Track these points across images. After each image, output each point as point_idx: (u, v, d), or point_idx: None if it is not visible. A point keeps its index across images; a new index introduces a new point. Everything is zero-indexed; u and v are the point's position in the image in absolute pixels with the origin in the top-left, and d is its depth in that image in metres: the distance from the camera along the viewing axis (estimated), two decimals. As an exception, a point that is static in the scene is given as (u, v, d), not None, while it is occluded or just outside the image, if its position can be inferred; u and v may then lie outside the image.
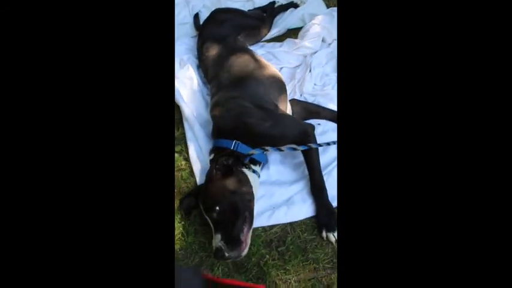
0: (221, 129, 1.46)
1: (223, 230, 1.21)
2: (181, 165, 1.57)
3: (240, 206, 1.26)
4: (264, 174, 1.50)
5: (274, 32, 2.13)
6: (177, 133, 1.69)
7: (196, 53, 1.97)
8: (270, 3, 2.27)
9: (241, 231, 1.22)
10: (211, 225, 1.25)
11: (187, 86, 1.81)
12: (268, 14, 2.18)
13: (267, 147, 1.36)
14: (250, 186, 1.34)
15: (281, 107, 1.55)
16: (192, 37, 2.12)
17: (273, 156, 1.54)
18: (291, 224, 1.38)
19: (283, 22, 2.15)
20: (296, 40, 1.96)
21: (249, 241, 1.25)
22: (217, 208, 1.24)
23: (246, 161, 1.36)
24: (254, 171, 1.38)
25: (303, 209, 1.38)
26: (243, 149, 1.38)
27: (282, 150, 1.37)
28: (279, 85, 1.61)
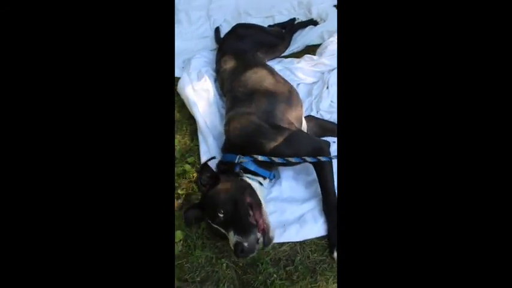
0: (231, 145, 1.45)
1: (233, 225, 1.19)
2: (194, 177, 1.56)
3: (238, 197, 1.25)
4: (276, 190, 1.47)
5: (292, 48, 2.13)
6: (191, 144, 1.69)
7: (214, 66, 1.99)
8: (290, 20, 2.28)
9: (249, 216, 1.21)
10: (223, 230, 1.23)
11: (204, 97, 1.81)
12: (287, 30, 2.19)
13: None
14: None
15: (296, 123, 1.53)
16: (211, 50, 2.14)
17: (286, 172, 1.51)
18: (301, 242, 1.33)
19: (302, 39, 2.15)
20: (314, 56, 1.94)
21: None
22: (221, 211, 1.22)
23: (237, 169, 1.36)
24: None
25: (315, 228, 1.34)
26: (247, 163, 1.36)
27: (275, 162, 1.35)
28: (294, 102, 1.59)
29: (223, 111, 1.74)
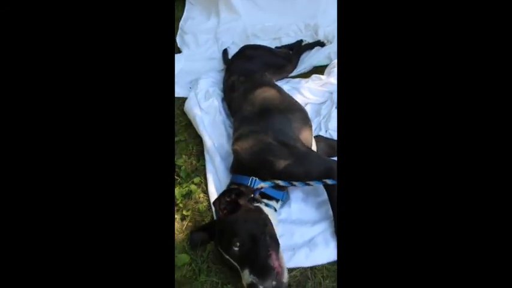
0: (241, 164, 1.41)
1: (249, 263, 1.11)
2: (199, 198, 1.51)
3: (257, 232, 1.17)
4: (285, 212, 1.41)
5: (300, 69, 2.12)
6: (197, 164, 1.65)
7: (221, 86, 1.98)
8: (297, 41, 2.29)
9: (268, 258, 1.12)
10: (236, 264, 1.15)
11: (211, 117, 1.79)
12: (294, 51, 2.19)
13: (277, 181, 1.28)
14: (263, 213, 1.26)
15: (305, 143, 1.48)
16: (218, 71, 2.14)
17: (295, 193, 1.45)
18: (311, 268, 1.25)
19: (309, 59, 2.15)
20: (322, 76, 1.93)
21: (284, 265, 1.14)
22: (237, 242, 1.15)
23: (256, 195, 1.29)
24: (267, 205, 1.30)
25: (326, 252, 1.26)
26: (267, 189, 1.31)
27: (294, 185, 1.29)
28: (304, 121, 1.56)
29: (231, 131, 1.71)
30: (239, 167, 1.40)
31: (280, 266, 1.13)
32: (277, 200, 1.34)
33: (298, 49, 2.21)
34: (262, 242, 1.15)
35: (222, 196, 1.24)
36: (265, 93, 1.63)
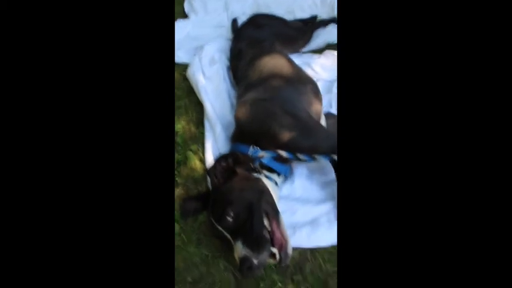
0: (242, 133, 1.27)
1: (242, 235, 0.99)
2: (195, 165, 1.38)
3: (254, 200, 1.05)
4: (287, 188, 1.28)
5: (313, 44, 1.98)
6: (196, 131, 1.52)
7: (228, 54, 1.84)
8: (312, 17, 2.14)
9: (263, 228, 1.00)
10: (229, 236, 1.03)
11: (214, 84, 1.66)
12: (308, 26, 2.05)
13: (281, 152, 1.16)
14: (260, 180, 1.14)
15: (314, 117, 1.36)
16: (226, 39, 1.99)
17: (299, 170, 1.32)
18: (312, 250, 1.14)
19: (324, 36, 2.00)
20: (336, 52, 1.79)
21: (287, 235, 1.02)
22: (231, 212, 1.02)
23: (256, 164, 1.16)
24: (268, 178, 1.17)
25: (329, 235, 1.14)
26: (266, 159, 1.18)
27: (299, 159, 1.17)
28: (314, 93, 1.43)
29: (234, 102, 1.58)
30: (240, 135, 1.27)
31: (283, 236, 1.01)
32: (279, 174, 1.21)
33: (312, 24, 2.06)
34: (257, 210, 1.03)
35: (217, 162, 1.12)
36: (274, 61, 1.49)
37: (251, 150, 1.19)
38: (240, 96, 1.44)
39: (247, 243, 0.97)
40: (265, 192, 1.10)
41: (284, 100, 1.31)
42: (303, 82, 1.43)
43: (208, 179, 1.30)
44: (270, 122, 1.23)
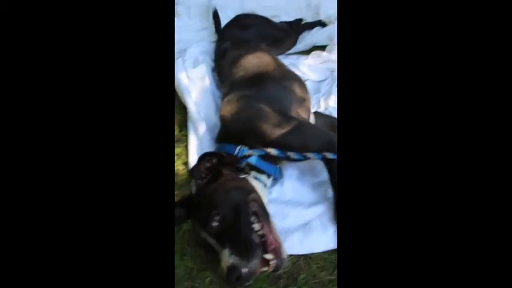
0: (228, 132, 1.18)
1: (229, 241, 0.88)
2: (178, 170, 1.27)
3: (241, 201, 0.95)
4: (277, 191, 1.19)
5: (299, 46, 1.92)
6: (179, 134, 1.41)
7: (213, 56, 1.76)
8: (296, 20, 2.09)
9: (252, 231, 0.90)
10: (214, 243, 0.92)
11: (198, 86, 1.57)
12: (294, 28, 1.99)
13: (269, 149, 1.07)
14: (248, 181, 1.04)
15: (303, 115, 1.28)
16: (210, 42, 1.92)
17: (289, 171, 1.23)
18: (305, 256, 1.04)
19: (310, 38, 1.95)
20: (323, 53, 1.73)
21: (279, 238, 0.92)
22: (216, 216, 0.92)
23: (242, 164, 1.06)
24: (256, 179, 1.08)
25: (323, 239, 1.05)
26: (253, 158, 1.09)
27: (289, 157, 1.08)
28: (302, 91, 1.36)
29: (219, 102, 1.49)
30: (226, 135, 1.18)
31: (276, 239, 0.90)
32: (268, 176, 1.12)
33: (297, 27, 2.01)
34: (244, 211, 0.93)
35: (200, 161, 1.01)
36: (258, 59, 1.42)
37: (237, 150, 1.09)
38: (224, 96, 1.35)
39: (235, 250, 0.86)
40: (253, 193, 1.00)
41: (271, 97, 1.23)
42: (289, 79, 1.36)
43: (193, 182, 1.19)
44: (257, 119, 1.14)
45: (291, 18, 2.12)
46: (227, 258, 0.87)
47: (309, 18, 2.13)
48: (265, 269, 0.91)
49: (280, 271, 0.91)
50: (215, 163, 1.02)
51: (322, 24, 2.05)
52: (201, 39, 1.96)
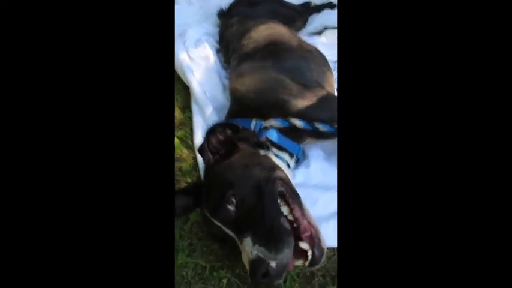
0: (242, 106, 0.98)
1: (251, 228, 0.67)
2: (182, 154, 1.07)
3: (264, 179, 0.74)
4: (302, 174, 0.99)
5: (309, 28, 1.75)
6: (182, 116, 1.21)
7: (217, 38, 1.58)
8: (305, 2, 1.93)
9: (281, 215, 0.70)
10: (232, 233, 0.71)
11: (202, 65, 1.38)
12: (304, 9, 1.82)
13: (294, 120, 0.88)
14: (269, 157, 0.84)
15: (328, 89, 1.09)
16: (213, 23, 1.74)
17: (314, 150, 1.03)
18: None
19: (319, 20, 1.77)
20: (336, 30, 1.56)
21: (314, 224, 0.72)
22: (232, 198, 0.71)
23: (261, 138, 0.86)
24: (278, 157, 0.88)
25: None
26: (272, 133, 0.89)
27: (317, 129, 0.88)
28: (322, 62, 1.17)
29: (226, 82, 1.31)
30: (239, 109, 0.98)
31: (311, 224, 0.70)
32: (290, 155, 0.92)
33: (306, 9, 1.85)
34: (270, 191, 0.72)
35: (211, 133, 0.81)
36: (272, 30, 1.24)
37: (253, 123, 0.90)
38: (234, 68, 1.16)
39: (259, 239, 0.66)
40: (277, 169, 0.80)
41: (290, 68, 1.04)
42: (307, 50, 1.18)
43: (201, 166, 0.99)
44: (277, 90, 0.95)
45: (298, 2, 1.96)
46: (250, 249, 0.66)
47: (317, 0, 1.97)
48: (299, 263, 0.70)
49: (318, 266, 0.70)
50: (230, 135, 0.82)
51: (331, 6, 1.88)
52: (205, 19, 1.78)
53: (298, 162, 0.97)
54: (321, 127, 0.88)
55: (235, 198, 0.71)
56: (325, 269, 0.81)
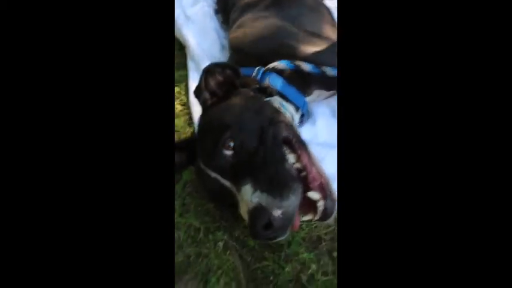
0: (243, 53, 0.86)
1: (251, 173, 0.57)
2: (177, 110, 0.96)
3: (267, 121, 0.64)
4: (308, 131, 0.88)
5: None
6: (176, 74, 1.09)
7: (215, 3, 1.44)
8: None
9: (285, 160, 0.60)
10: (228, 183, 0.61)
11: (199, 22, 1.26)
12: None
13: (300, 63, 0.77)
14: (273, 104, 0.73)
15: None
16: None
17: (320, 108, 0.92)
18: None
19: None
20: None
21: (324, 173, 0.61)
22: (230, 141, 0.61)
23: (264, 81, 0.75)
24: (282, 106, 0.76)
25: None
26: (275, 79, 0.78)
27: (326, 74, 0.77)
28: (330, 15, 1.06)
29: (225, 42, 1.19)
30: (240, 58, 0.87)
31: (320, 173, 0.60)
32: (296, 108, 0.81)
33: None
34: (274, 134, 0.62)
35: (208, 73, 0.70)
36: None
37: (256, 71, 0.78)
38: (233, 23, 1.04)
39: (260, 185, 0.55)
40: (279, 112, 0.69)
41: (296, 17, 0.93)
42: (317, 2, 1.06)
43: (196, 120, 0.87)
44: (282, 36, 0.84)
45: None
46: (249, 197, 0.55)
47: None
48: (307, 218, 0.60)
49: (331, 220, 0.59)
50: (229, 75, 0.71)
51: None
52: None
53: (303, 118, 0.87)
54: (329, 70, 0.76)
55: (233, 142, 0.60)
56: (334, 233, 0.71)
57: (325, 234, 0.71)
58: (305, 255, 0.67)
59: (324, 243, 0.70)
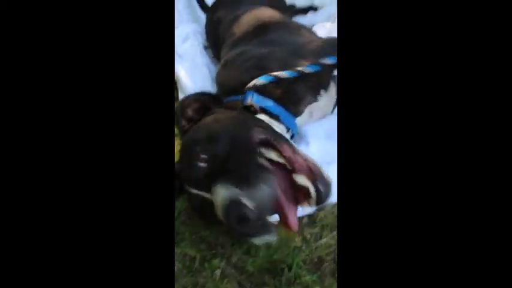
0: (227, 89, 0.88)
1: (224, 175, 0.57)
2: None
3: (240, 131, 0.63)
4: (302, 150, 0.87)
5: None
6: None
7: (204, 35, 1.50)
8: (289, 6, 1.90)
9: (256, 153, 0.59)
10: (208, 194, 0.59)
11: (190, 59, 1.29)
12: (288, 12, 1.79)
13: (276, 73, 0.78)
14: (253, 116, 0.74)
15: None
16: (200, 23, 1.67)
17: (314, 129, 0.92)
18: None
19: (304, 20, 1.74)
20: (327, 24, 1.51)
21: (312, 160, 0.60)
22: (203, 154, 0.61)
23: (247, 100, 0.76)
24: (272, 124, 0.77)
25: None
26: (257, 99, 0.79)
27: (302, 73, 0.78)
28: (312, 36, 1.10)
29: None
30: (226, 90, 0.88)
31: (307, 160, 0.59)
32: (287, 128, 0.81)
33: (290, 13, 1.81)
34: (246, 138, 0.62)
35: (185, 103, 0.74)
36: (262, 13, 1.16)
37: (241, 97, 0.79)
38: (222, 59, 1.07)
39: (230, 181, 0.54)
40: (256, 120, 0.70)
41: (275, 40, 0.97)
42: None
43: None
44: (264, 62, 0.86)
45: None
46: (222, 192, 0.54)
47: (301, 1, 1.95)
48: (304, 208, 0.59)
49: (327, 204, 0.57)
50: (205, 100, 0.73)
51: (314, 8, 1.86)
52: (192, 20, 1.71)
53: (293, 137, 0.86)
54: (306, 68, 0.78)
55: (205, 154, 0.59)
56: (335, 254, 0.67)
57: (327, 254, 0.68)
58: (308, 277, 0.64)
59: (325, 264, 0.66)
